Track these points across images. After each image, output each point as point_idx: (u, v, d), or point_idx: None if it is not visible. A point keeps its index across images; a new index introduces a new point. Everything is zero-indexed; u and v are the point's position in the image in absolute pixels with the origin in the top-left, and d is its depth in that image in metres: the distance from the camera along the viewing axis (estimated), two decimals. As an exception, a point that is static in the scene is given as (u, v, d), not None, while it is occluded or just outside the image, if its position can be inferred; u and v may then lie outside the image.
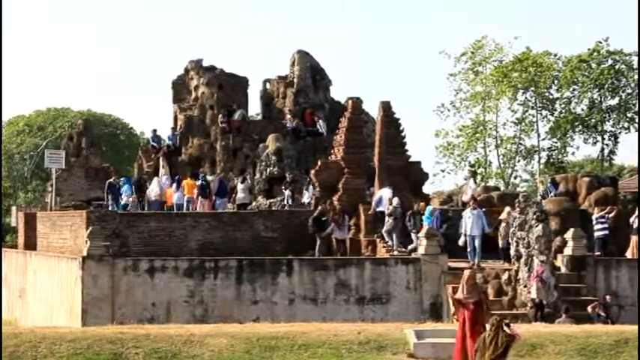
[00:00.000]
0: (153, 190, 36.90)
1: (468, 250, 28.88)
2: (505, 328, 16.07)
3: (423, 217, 30.66)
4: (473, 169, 49.60)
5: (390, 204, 30.75)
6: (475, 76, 62.35)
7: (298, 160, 40.48)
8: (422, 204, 31.29)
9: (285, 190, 37.04)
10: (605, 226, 31.24)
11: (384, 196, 31.66)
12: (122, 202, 36.31)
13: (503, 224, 29.04)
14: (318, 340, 19.51)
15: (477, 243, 28.73)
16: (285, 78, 45.36)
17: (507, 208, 29.52)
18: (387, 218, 30.72)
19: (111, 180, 38.00)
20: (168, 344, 19.15)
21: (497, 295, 26.85)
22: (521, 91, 61.35)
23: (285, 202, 36.66)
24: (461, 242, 28.98)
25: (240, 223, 33.21)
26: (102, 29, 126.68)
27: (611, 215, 31.52)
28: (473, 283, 17.87)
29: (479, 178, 58.76)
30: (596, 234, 31.03)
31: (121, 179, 38.50)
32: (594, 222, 31.39)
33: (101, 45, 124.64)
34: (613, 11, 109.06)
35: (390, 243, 30.66)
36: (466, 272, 18.23)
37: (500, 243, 29.11)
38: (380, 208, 31.69)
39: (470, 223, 28.72)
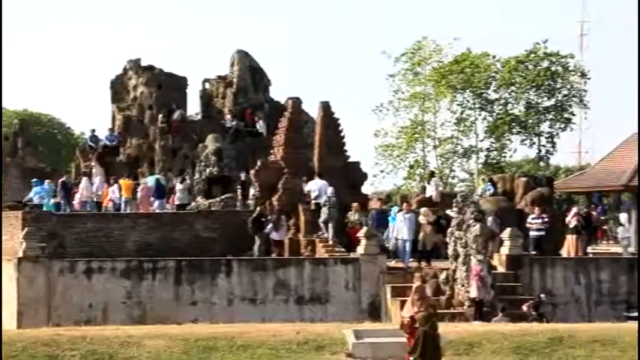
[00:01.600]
0: (84, 191, 36.37)
1: (398, 252, 29.01)
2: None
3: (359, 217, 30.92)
4: (432, 170, 49.97)
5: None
6: (414, 76, 62.78)
7: (238, 160, 40.34)
8: (355, 204, 31.40)
9: (239, 189, 36.77)
10: (541, 227, 31.68)
11: (320, 188, 31.86)
12: (51, 202, 35.66)
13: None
14: (256, 341, 19.50)
15: (407, 247, 28.90)
16: (224, 78, 45.20)
17: (423, 209, 29.88)
18: (323, 209, 30.95)
19: (64, 179, 37.42)
20: (104, 346, 18.99)
21: (435, 295, 27.04)
22: (459, 92, 61.92)
23: (239, 201, 36.42)
24: (391, 246, 29.13)
25: (179, 223, 33.01)
26: (38, 27, 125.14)
27: (545, 219, 31.89)
28: (423, 297, 17.87)
29: (417, 178, 59.22)
30: (531, 234, 31.45)
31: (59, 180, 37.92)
32: (529, 222, 31.81)
33: (38, 43, 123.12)
34: (551, 13, 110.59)
35: (325, 235, 30.81)
36: (415, 286, 18.18)
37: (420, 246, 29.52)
38: (316, 200, 31.90)
39: (402, 227, 28.87)
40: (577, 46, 70.74)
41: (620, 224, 35.03)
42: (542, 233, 31.59)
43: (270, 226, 31.16)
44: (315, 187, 32.24)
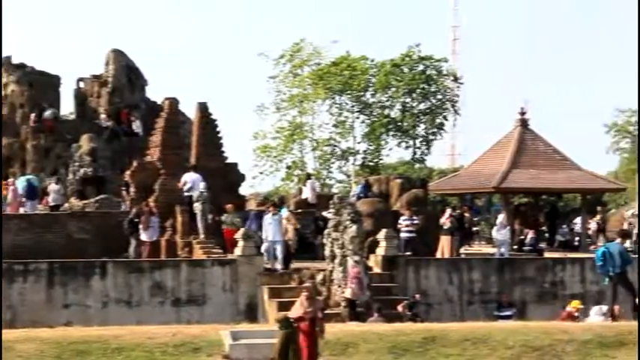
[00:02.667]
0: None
1: (269, 255, 29.04)
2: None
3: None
4: (309, 172, 50.15)
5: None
6: (294, 78, 63.01)
7: (113, 160, 39.77)
8: (229, 206, 31.34)
9: (123, 190, 36.10)
10: (411, 228, 32.19)
11: (194, 181, 31.75)
12: None
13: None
14: (131, 344, 19.22)
15: (278, 249, 28.92)
16: (99, 77, 44.51)
17: (286, 213, 30.08)
18: (195, 204, 30.85)
19: None
20: (-27, 351, 18.42)
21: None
22: (337, 95, 62.44)
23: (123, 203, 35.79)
24: (262, 249, 29.14)
25: (52, 224, 32.34)
26: None
27: (415, 221, 32.40)
28: (312, 297, 17.97)
29: (295, 180, 59.45)
30: (402, 235, 31.95)
31: None
32: (400, 224, 32.30)
33: None
34: (424, 17, 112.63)
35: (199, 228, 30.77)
36: (305, 286, 18.25)
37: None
38: (189, 193, 31.77)
39: (270, 230, 28.90)
40: (450, 51, 72.55)
41: (494, 225, 35.90)
42: (413, 235, 32.15)
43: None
44: (190, 179, 32.11)
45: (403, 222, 32.30)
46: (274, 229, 28.78)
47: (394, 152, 64.89)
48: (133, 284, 28.01)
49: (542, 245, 37.67)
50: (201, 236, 30.67)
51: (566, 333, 20.08)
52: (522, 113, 41.54)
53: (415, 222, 32.37)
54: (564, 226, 41.82)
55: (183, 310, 28.05)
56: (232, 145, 56.07)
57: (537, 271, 32.10)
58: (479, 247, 39.33)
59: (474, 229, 41.12)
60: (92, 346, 18.99)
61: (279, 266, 28.80)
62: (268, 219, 29.00)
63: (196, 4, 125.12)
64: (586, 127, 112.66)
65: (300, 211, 33.63)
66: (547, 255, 35.11)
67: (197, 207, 30.94)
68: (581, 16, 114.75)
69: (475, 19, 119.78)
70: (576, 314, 24.64)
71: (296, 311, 17.80)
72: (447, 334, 20.03)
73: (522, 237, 36.95)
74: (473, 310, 30.45)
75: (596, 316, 24.25)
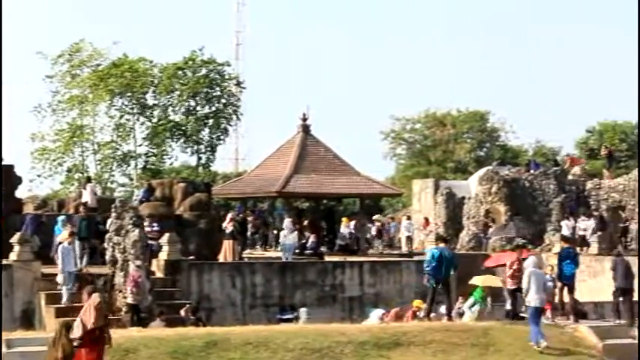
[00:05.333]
0: None
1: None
2: (67, 334, 16.27)
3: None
4: (88, 175, 48.82)
5: None
6: (72, 79, 61.52)
7: None
8: None
9: None
10: (151, 236, 31.03)
11: None
12: None
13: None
14: None
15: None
16: None
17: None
18: None
19: None
20: None
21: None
22: (118, 97, 61.46)
23: None
24: (52, 252, 28.30)
25: None
26: None
27: (155, 228, 31.45)
28: (100, 308, 17.40)
29: (75, 183, 58.00)
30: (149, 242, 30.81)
31: None
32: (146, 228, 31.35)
33: None
34: (208, 20, 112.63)
35: None
36: (95, 299, 17.62)
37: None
38: None
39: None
40: (233, 56, 72.91)
41: (278, 229, 36.30)
42: (155, 242, 31.00)
43: None
44: None
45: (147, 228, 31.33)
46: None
47: (179, 157, 64.59)
48: None
49: (323, 249, 38.47)
50: None
51: (344, 335, 20.62)
52: (304, 119, 42.33)
53: (155, 229, 31.16)
54: (345, 229, 42.80)
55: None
56: (8, 147, 53.97)
57: (318, 275, 32.79)
58: (262, 251, 39.70)
59: (258, 233, 41.48)
60: None
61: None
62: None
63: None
64: (364, 133, 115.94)
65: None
66: (327, 258, 35.91)
67: None
68: (357, 22, 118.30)
69: (259, 25, 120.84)
70: (418, 313, 25.25)
71: (83, 325, 17.14)
72: (229, 337, 20.12)
73: (304, 241, 37.60)
74: (255, 313, 30.74)
75: (375, 318, 25.09)
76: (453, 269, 22.43)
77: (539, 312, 21.20)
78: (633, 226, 40.06)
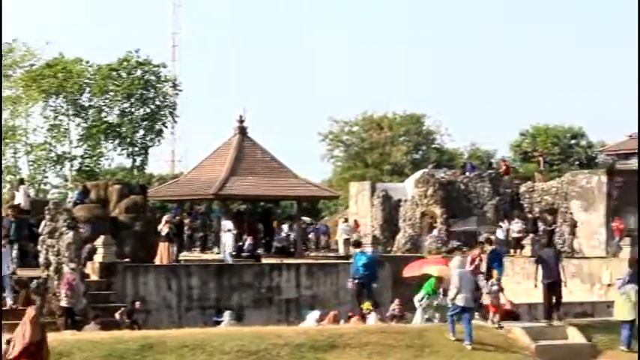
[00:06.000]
0: None
1: None
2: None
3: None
4: (21, 177, 48.07)
5: None
6: (5, 79, 60.64)
7: None
8: None
9: None
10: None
11: None
12: None
13: None
14: None
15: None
16: None
17: None
18: None
19: None
20: None
21: (26, 304, 26.22)
22: (52, 97, 60.75)
23: None
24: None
25: None
26: None
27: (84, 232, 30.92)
28: (36, 322, 17.08)
29: (8, 185, 57.12)
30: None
31: None
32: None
33: None
34: (145, 22, 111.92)
35: None
36: (30, 312, 17.28)
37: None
38: None
39: None
40: (170, 57, 72.47)
41: (215, 232, 36.16)
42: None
43: None
44: None
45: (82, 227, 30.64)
46: None
47: (114, 158, 64.01)
48: None
49: (260, 251, 38.46)
50: None
51: (281, 337, 20.64)
52: (241, 121, 42.24)
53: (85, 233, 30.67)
54: (285, 231, 42.86)
55: None
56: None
57: (255, 277, 32.77)
58: (199, 254, 39.54)
59: (194, 235, 41.32)
60: None
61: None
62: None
63: None
64: (302, 135, 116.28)
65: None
66: (264, 261, 35.91)
67: None
68: (294, 24, 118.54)
69: (195, 27, 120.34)
70: (365, 314, 25.01)
71: (21, 339, 16.81)
72: (165, 340, 20.01)
73: (241, 243, 37.54)
74: (192, 316, 30.61)
75: (312, 320, 25.07)
76: (373, 273, 22.87)
77: (466, 311, 21.50)
78: (565, 229, 40.75)
